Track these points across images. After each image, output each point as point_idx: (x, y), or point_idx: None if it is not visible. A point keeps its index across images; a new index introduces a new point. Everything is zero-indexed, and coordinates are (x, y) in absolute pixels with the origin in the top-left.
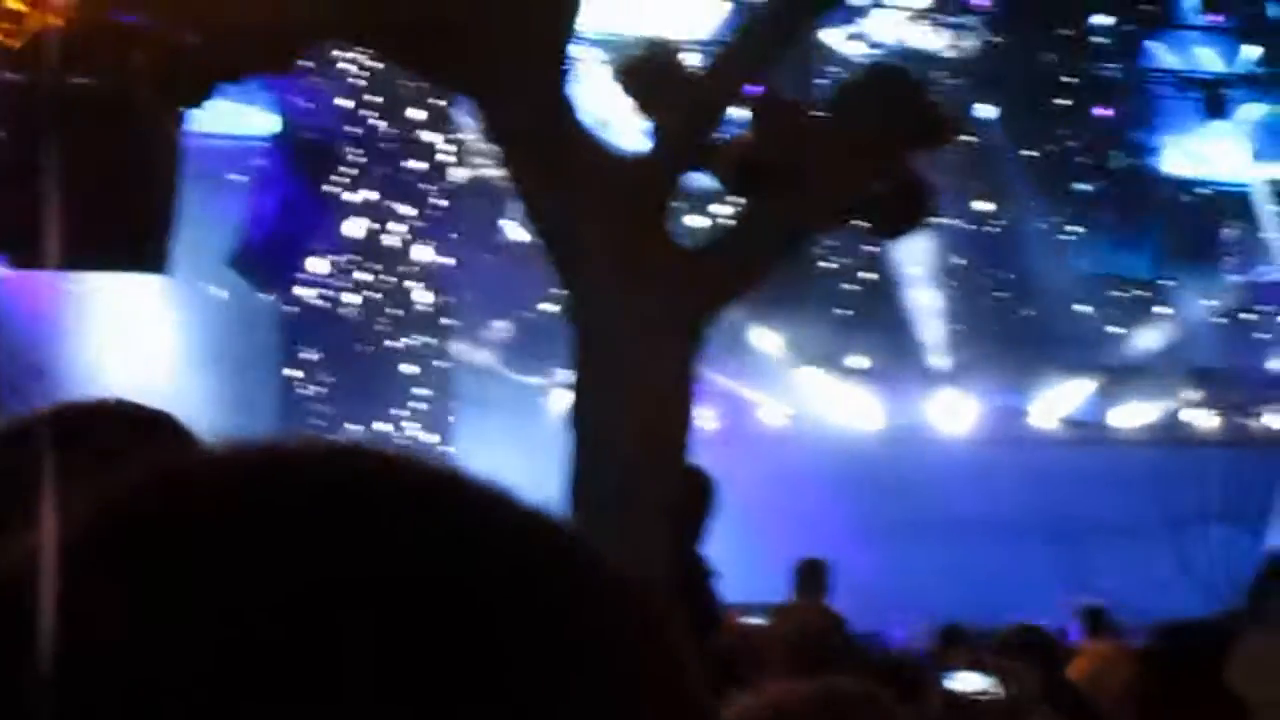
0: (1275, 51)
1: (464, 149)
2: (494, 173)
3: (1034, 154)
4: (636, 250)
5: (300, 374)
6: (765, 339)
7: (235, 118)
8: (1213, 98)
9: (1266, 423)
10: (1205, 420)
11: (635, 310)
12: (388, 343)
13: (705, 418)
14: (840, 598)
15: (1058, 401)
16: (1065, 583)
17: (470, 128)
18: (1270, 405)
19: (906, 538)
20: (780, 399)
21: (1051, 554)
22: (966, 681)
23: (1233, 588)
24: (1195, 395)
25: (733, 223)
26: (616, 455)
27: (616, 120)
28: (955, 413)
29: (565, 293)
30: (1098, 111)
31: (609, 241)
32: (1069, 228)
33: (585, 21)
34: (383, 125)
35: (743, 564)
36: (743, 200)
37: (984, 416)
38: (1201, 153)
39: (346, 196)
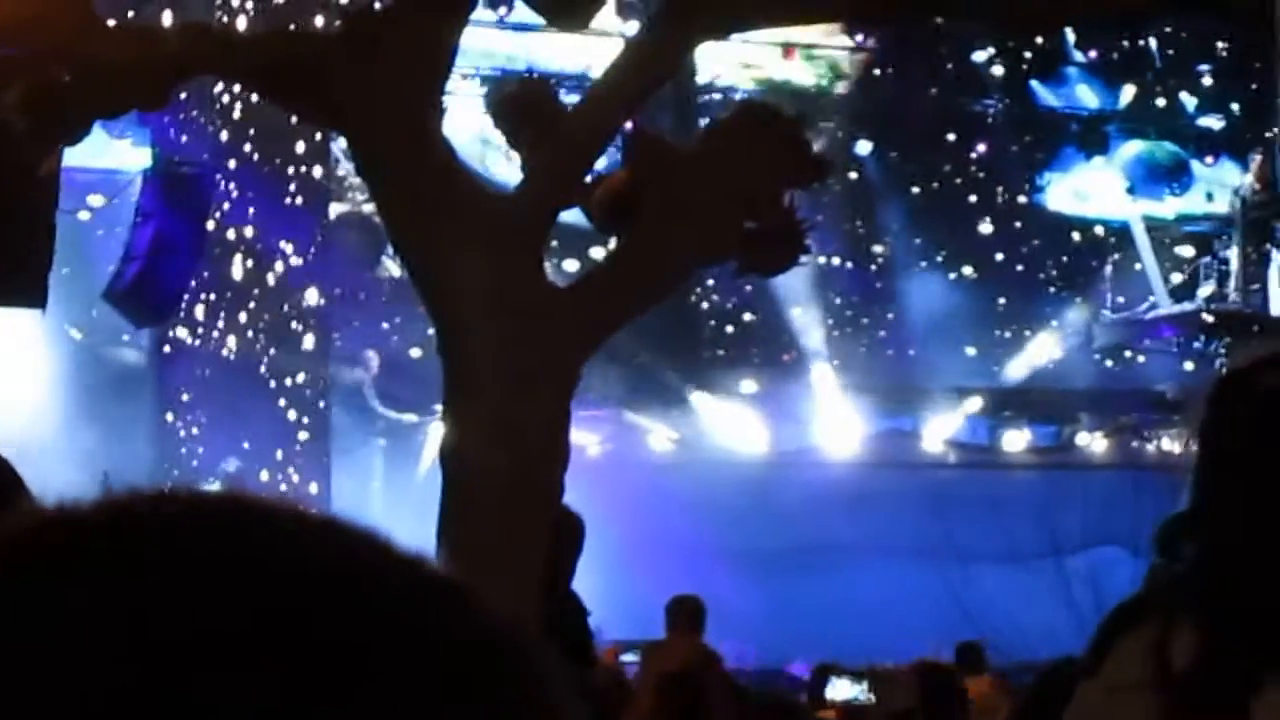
0: (1150, 89)
1: (343, 183)
2: (372, 207)
3: (914, 190)
4: (509, 288)
5: (171, 417)
6: (652, 363)
7: (107, 151)
8: (1091, 135)
9: (1161, 447)
10: (1097, 444)
11: (507, 350)
12: (265, 378)
13: (590, 443)
14: (722, 631)
15: (946, 424)
16: (949, 610)
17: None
18: (1164, 429)
19: (790, 566)
20: (667, 424)
21: (936, 580)
22: (842, 690)
23: None
24: (1086, 418)
25: (605, 262)
26: (489, 497)
27: (492, 155)
28: (843, 436)
29: (435, 331)
30: (979, 148)
31: (480, 279)
32: (952, 264)
33: (463, 56)
34: (259, 157)
35: (626, 596)
36: (615, 238)
37: (871, 440)
38: (1083, 189)
39: (222, 231)
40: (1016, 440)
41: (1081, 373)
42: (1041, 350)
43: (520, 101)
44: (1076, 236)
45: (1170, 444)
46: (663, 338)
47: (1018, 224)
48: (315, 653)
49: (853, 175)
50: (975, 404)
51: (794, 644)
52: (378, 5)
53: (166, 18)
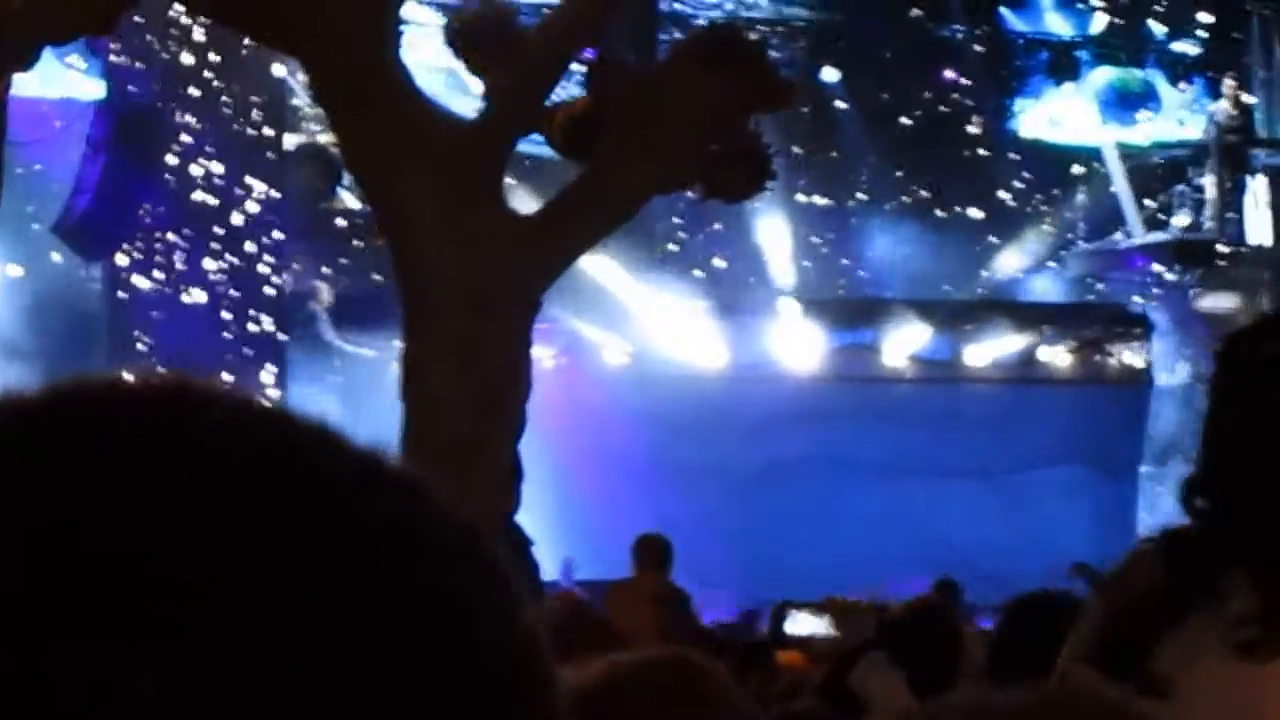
0: (1124, 15)
1: (297, 113)
2: (327, 138)
3: (883, 117)
4: (468, 215)
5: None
6: (607, 276)
7: (59, 81)
8: (1061, 62)
9: (1124, 361)
10: (1060, 359)
11: (468, 279)
12: (224, 321)
13: (544, 356)
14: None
15: (907, 338)
16: (912, 528)
17: (301, 93)
18: (1127, 343)
19: (749, 483)
20: (622, 337)
21: (899, 497)
22: (803, 624)
23: (1088, 532)
24: (1049, 331)
25: (566, 188)
26: (451, 429)
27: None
28: (802, 350)
29: (394, 259)
30: (947, 74)
31: (439, 206)
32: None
33: None
34: (218, 84)
35: (583, 517)
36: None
37: (831, 354)
38: (1055, 115)
39: (176, 164)
40: (978, 355)
41: (1049, 290)
42: (1007, 266)
43: (480, 28)
44: (1048, 163)
45: (1133, 358)
46: (618, 248)
47: (989, 151)
48: (256, 534)
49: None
50: (936, 317)
51: (755, 569)
52: None
53: None
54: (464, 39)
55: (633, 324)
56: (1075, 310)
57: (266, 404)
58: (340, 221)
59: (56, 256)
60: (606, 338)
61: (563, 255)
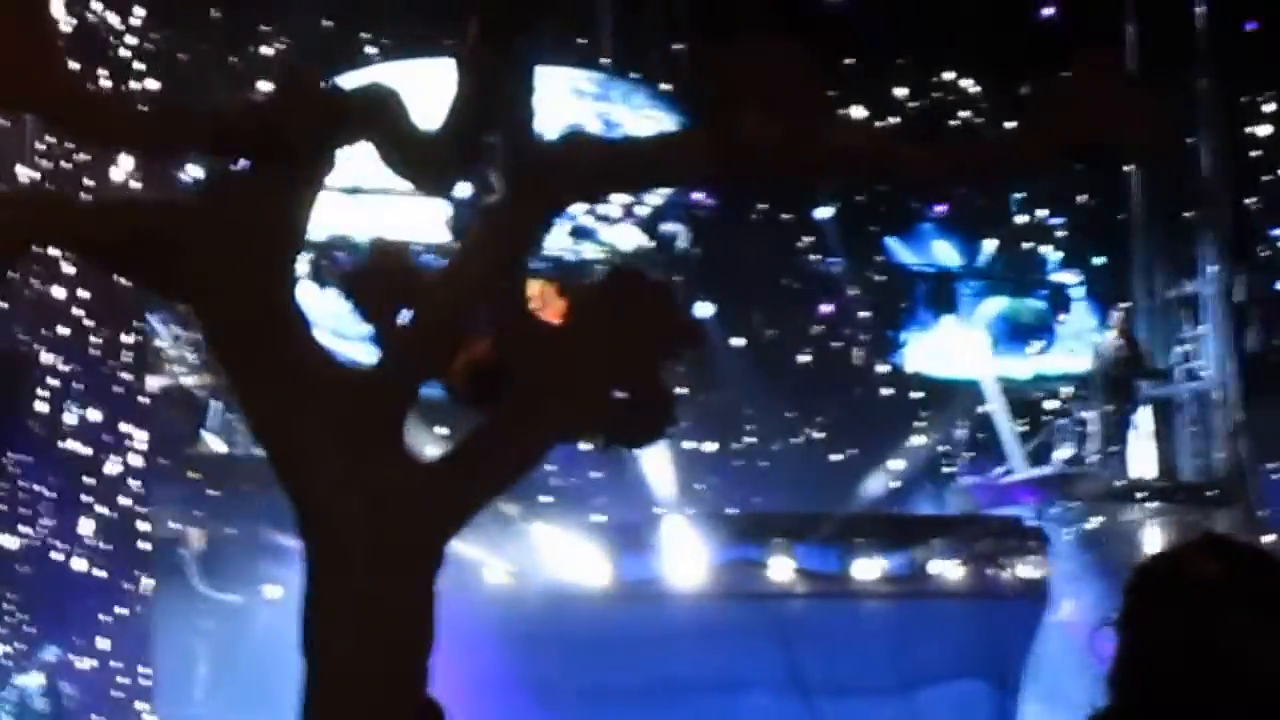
0: (1012, 245)
1: (159, 355)
2: (192, 380)
3: (753, 350)
4: (370, 468)
5: None
6: None
7: None
8: (945, 292)
9: (1018, 574)
10: (951, 572)
11: (371, 531)
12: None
13: None
14: None
15: (794, 553)
16: None
17: (164, 335)
18: (1020, 556)
19: (634, 703)
20: (504, 555)
21: (781, 716)
22: None
23: None
24: (940, 545)
25: (469, 438)
26: (355, 682)
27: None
28: (689, 566)
29: (295, 512)
30: (824, 308)
31: (342, 459)
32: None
33: (314, 225)
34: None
35: None
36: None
37: (719, 570)
38: (942, 348)
39: (43, 410)
40: (868, 568)
41: (934, 503)
42: (893, 480)
43: (378, 274)
44: (928, 398)
45: (1030, 571)
46: None
47: (875, 386)
48: None
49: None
50: (824, 530)
51: None
52: (230, 175)
53: None
54: (360, 287)
55: (514, 542)
56: (967, 522)
57: None
58: (205, 466)
59: None
60: (487, 556)
61: (467, 505)
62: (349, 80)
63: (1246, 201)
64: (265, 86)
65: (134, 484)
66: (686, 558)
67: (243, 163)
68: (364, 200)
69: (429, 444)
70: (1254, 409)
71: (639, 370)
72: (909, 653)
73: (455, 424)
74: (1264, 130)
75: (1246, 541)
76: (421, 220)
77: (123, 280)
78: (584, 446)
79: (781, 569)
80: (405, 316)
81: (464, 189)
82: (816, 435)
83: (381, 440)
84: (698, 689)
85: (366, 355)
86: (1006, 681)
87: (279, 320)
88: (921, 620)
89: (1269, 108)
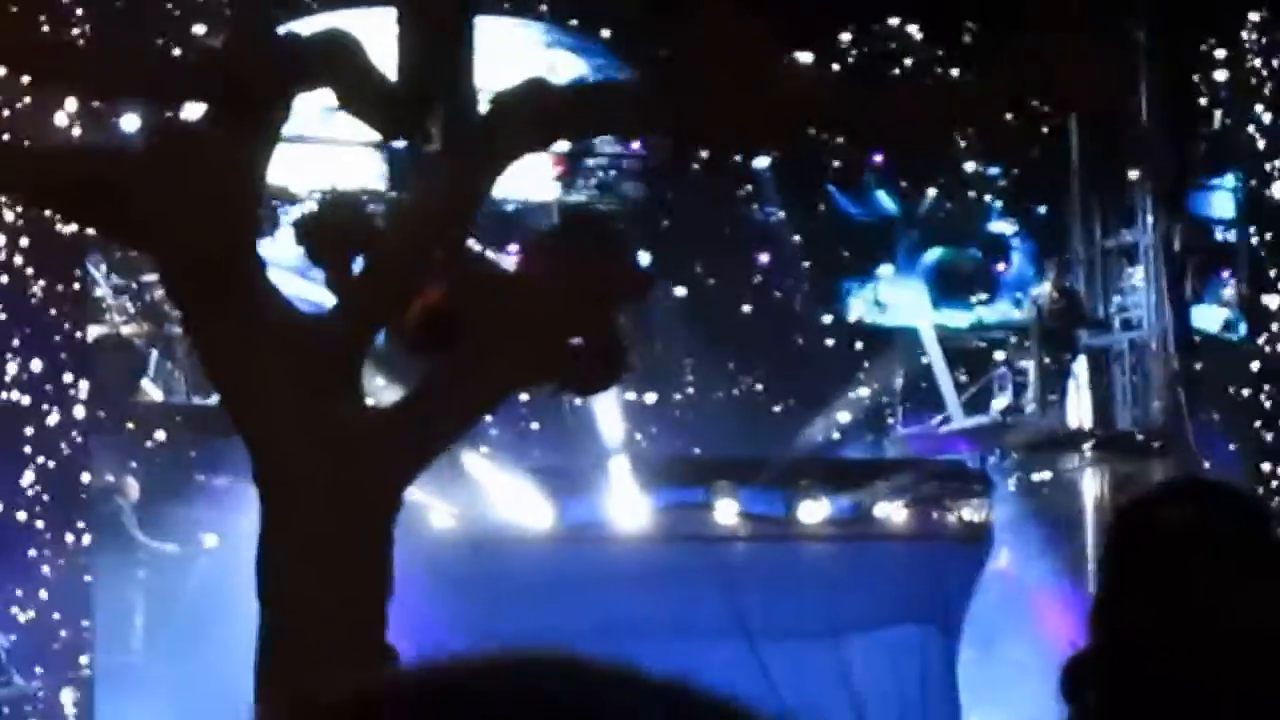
0: (953, 195)
1: (101, 303)
2: (131, 329)
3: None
4: (326, 414)
5: None
6: None
7: None
8: (883, 242)
9: (963, 517)
10: (896, 515)
11: (330, 478)
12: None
13: None
14: None
15: (740, 498)
16: (750, 694)
17: (104, 284)
18: (965, 499)
19: (577, 646)
20: (448, 499)
21: (732, 660)
22: None
23: (922, 692)
24: (883, 487)
25: (424, 384)
26: (310, 624)
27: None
28: (632, 509)
29: (251, 457)
30: (763, 257)
31: (300, 405)
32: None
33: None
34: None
35: None
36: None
37: (663, 514)
38: (883, 298)
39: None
40: (813, 511)
41: (874, 453)
42: (834, 430)
43: (331, 224)
44: (869, 348)
45: (972, 514)
46: None
47: (816, 336)
48: None
49: None
50: (769, 474)
51: None
52: (178, 123)
53: None
54: (318, 236)
55: (460, 486)
56: (912, 465)
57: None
58: (143, 415)
59: None
60: (432, 500)
61: (423, 452)
62: (293, 29)
63: (1186, 151)
64: (202, 30)
65: (75, 435)
66: (629, 501)
67: (190, 109)
68: (304, 151)
69: (385, 391)
70: (1190, 358)
71: (592, 318)
72: (852, 595)
73: (409, 374)
74: (1205, 79)
75: (1224, 483)
76: (363, 171)
77: (70, 227)
78: (524, 397)
79: (726, 512)
80: (359, 264)
81: (402, 140)
82: (757, 386)
83: (337, 385)
84: (640, 632)
85: (327, 295)
86: (948, 625)
87: (237, 267)
88: (866, 563)
89: (1214, 55)
